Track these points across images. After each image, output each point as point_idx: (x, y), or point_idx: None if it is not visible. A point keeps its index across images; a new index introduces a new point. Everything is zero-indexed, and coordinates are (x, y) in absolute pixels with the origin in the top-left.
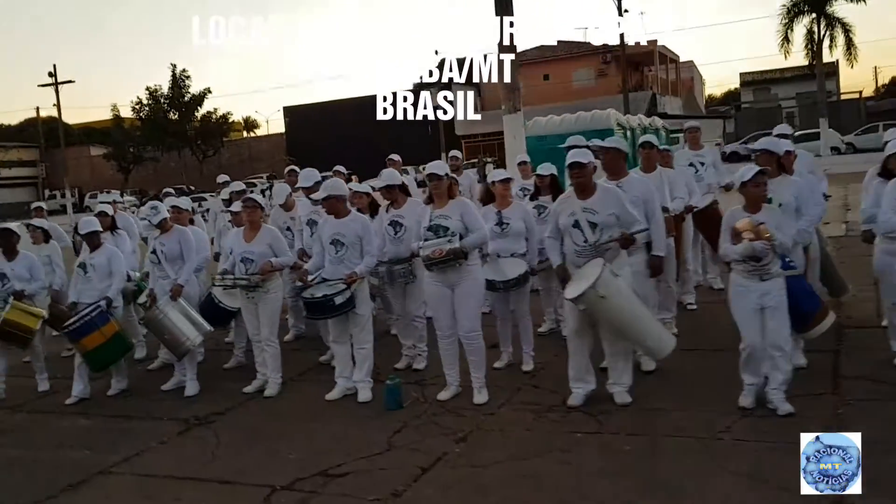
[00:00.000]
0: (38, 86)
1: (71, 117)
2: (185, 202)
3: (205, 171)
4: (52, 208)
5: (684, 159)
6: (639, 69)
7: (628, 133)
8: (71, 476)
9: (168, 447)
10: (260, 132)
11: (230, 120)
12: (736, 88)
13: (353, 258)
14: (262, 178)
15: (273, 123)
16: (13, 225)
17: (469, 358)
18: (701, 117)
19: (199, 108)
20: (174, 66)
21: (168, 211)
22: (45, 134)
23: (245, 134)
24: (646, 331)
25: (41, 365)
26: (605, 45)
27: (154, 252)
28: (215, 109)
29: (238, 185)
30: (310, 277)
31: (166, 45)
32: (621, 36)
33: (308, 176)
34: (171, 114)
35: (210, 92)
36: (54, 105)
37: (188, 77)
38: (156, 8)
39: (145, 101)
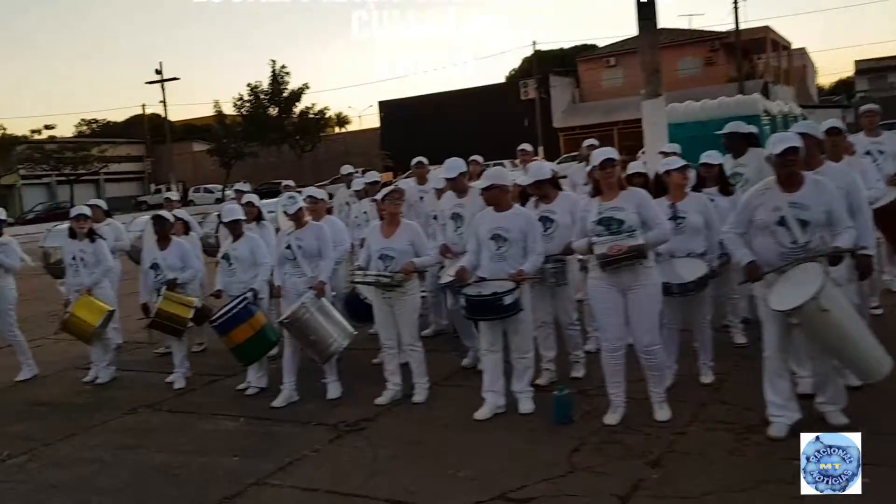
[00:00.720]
0: (146, 83)
1: (174, 114)
2: (320, 193)
3: (302, 166)
4: (156, 202)
5: (860, 147)
6: (748, 57)
7: (768, 120)
8: (224, 486)
9: (322, 457)
10: (352, 127)
11: (327, 115)
12: (849, 77)
13: (516, 256)
14: (357, 172)
15: (366, 119)
16: (167, 214)
17: (648, 374)
18: (816, 107)
19: (297, 103)
20: (274, 62)
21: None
22: (149, 130)
23: (337, 129)
24: (865, 350)
25: (182, 357)
26: (712, 33)
27: (289, 247)
28: (312, 105)
29: (373, 176)
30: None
31: (267, 41)
32: (736, 21)
33: (453, 166)
34: (271, 109)
35: (308, 87)
36: (160, 102)
37: (287, 73)
38: (255, 5)
39: (246, 98)
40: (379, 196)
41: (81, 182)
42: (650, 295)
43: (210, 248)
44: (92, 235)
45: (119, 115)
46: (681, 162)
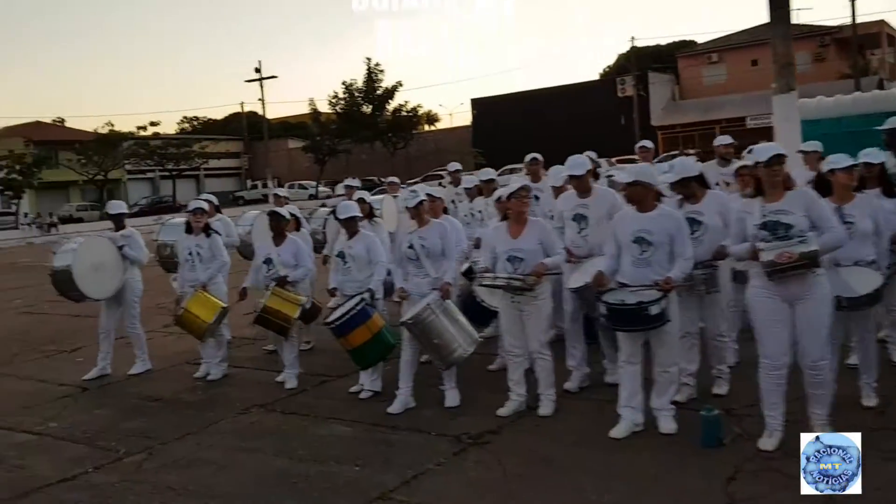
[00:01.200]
0: (245, 81)
1: (270, 111)
2: (439, 192)
3: (394, 164)
4: (253, 197)
5: None
6: (861, 52)
7: None
8: (347, 499)
9: (448, 471)
10: (441, 125)
11: (419, 112)
12: None
13: (661, 261)
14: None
15: (456, 117)
16: (283, 210)
17: (812, 393)
18: None
19: (390, 101)
20: (369, 59)
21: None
22: (247, 127)
23: (426, 127)
24: None
25: (294, 357)
26: (822, 28)
27: (411, 246)
28: (406, 102)
29: (489, 173)
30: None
31: (361, 39)
32: (853, 13)
33: (578, 163)
34: (365, 107)
35: (401, 85)
36: (259, 100)
37: (381, 70)
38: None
39: (341, 95)
40: (501, 194)
41: (183, 177)
42: (820, 306)
43: (317, 245)
44: (208, 230)
45: (218, 113)
46: (848, 160)
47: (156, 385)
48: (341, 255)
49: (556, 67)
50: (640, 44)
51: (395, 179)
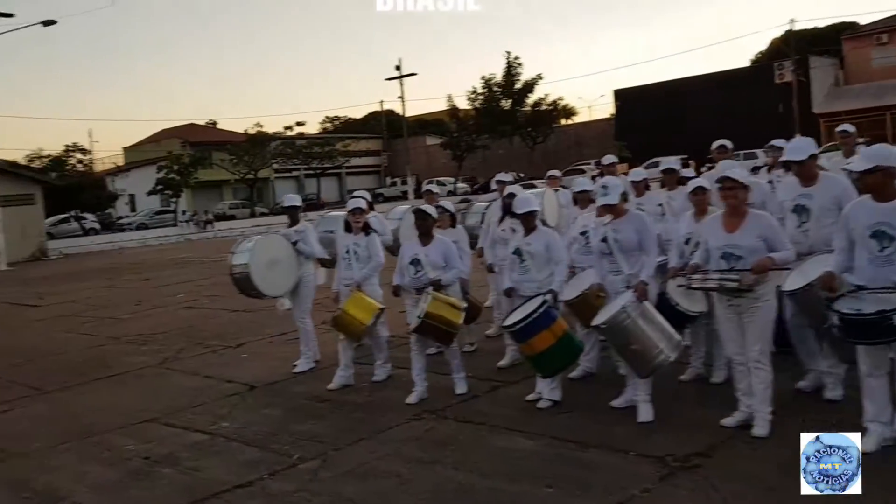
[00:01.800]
0: (385, 79)
1: (407, 109)
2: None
3: (533, 158)
4: (392, 195)
5: None
6: None
7: None
8: None
9: (657, 499)
10: (580, 118)
11: (559, 106)
12: None
13: None
14: (590, 164)
15: (595, 109)
16: (429, 208)
17: None
18: None
19: (529, 94)
20: (508, 53)
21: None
22: (386, 125)
23: (564, 121)
24: None
25: (459, 362)
26: None
27: (604, 240)
28: (545, 95)
29: (671, 163)
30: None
31: (501, 33)
32: None
33: (800, 147)
34: (504, 102)
35: (541, 78)
36: (399, 98)
37: (520, 64)
38: None
39: (480, 90)
40: (700, 184)
41: (326, 176)
42: None
43: (475, 241)
44: (367, 229)
45: (357, 112)
46: None
47: (322, 385)
48: (518, 252)
49: (699, 56)
50: (797, 27)
51: (556, 173)
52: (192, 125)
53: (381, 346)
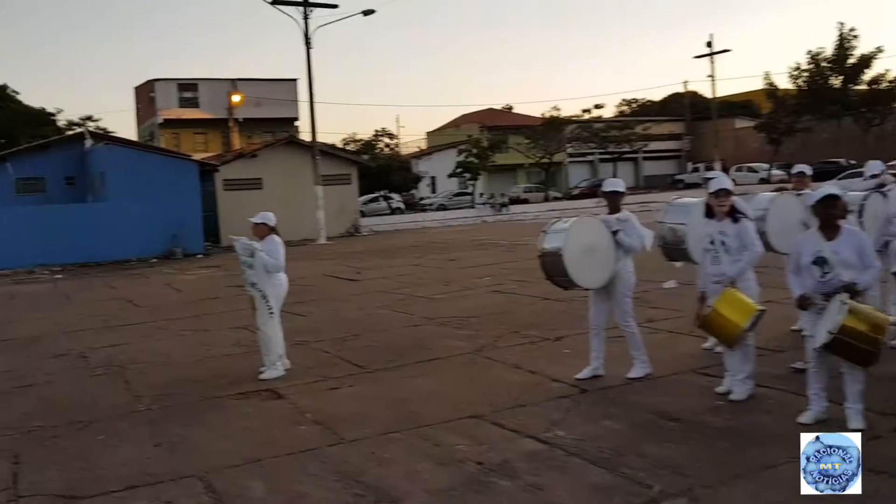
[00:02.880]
0: (694, 57)
1: (711, 89)
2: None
3: (865, 143)
4: (693, 181)
5: None
6: None
7: None
8: None
9: None
10: None
11: None
12: None
13: None
14: None
15: None
16: (837, 189)
17: None
18: None
19: (865, 70)
20: (841, 24)
21: None
22: (689, 107)
23: None
24: None
25: (860, 391)
26: None
27: None
28: (886, 71)
29: None
30: None
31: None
32: None
33: None
34: (833, 79)
35: (881, 51)
36: (708, 76)
37: (855, 37)
38: None
39: (804, 67)
40: None
41: (621, 160)
42: None
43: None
44: (734, 215)
45: (656, 94)
46: None
47: (664, 398)
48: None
49: None
50: None
51: (806, 169)
52: (490, 110)
53: (749, 356)
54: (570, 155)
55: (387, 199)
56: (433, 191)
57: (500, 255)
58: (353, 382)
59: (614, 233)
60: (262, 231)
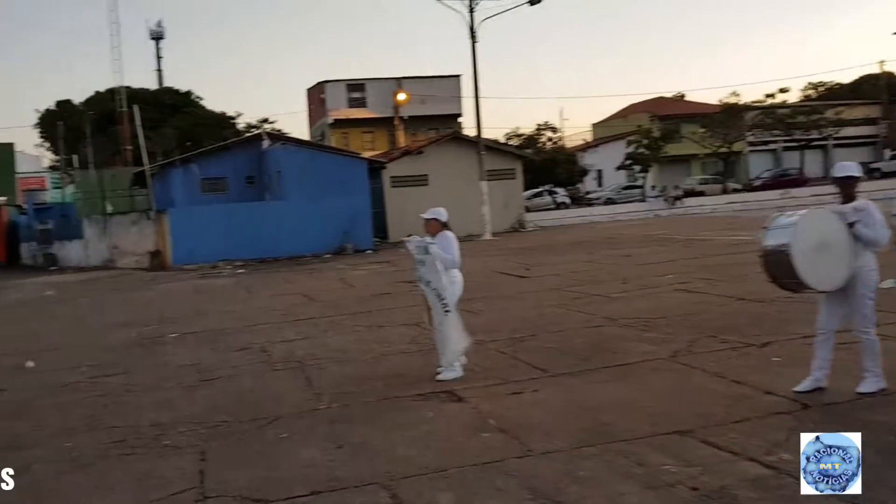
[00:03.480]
0: (893, 34)
1: None
2: None
3: None
4: (891, 169)
5: None
6: None
7: None
8: None
9: None
10: None
11: None
12: None
13: None
14: None
15: None
16: None
17: None
18: None
19: None
20: None
21: None
22: (886, 90)
23: None
24: None
25: None
26: None
27: None
28: None
29: None
30: None
31: None
32: None
33: None
34: None
35: None
36: None
37: None
38: None
39: None
40: None
41: (809, 148)
42: None
43: None
44: None
45: (846, 76)
46: None
47: None
48: None
49: None
50: None
51: None
52: (659, 98)
53: None
54: (751, 143)
55: (551, 193)
56: (599, 184)
57: (679, 251)
58: (536, 387)
59: (851, 224)
60: (434, 227)
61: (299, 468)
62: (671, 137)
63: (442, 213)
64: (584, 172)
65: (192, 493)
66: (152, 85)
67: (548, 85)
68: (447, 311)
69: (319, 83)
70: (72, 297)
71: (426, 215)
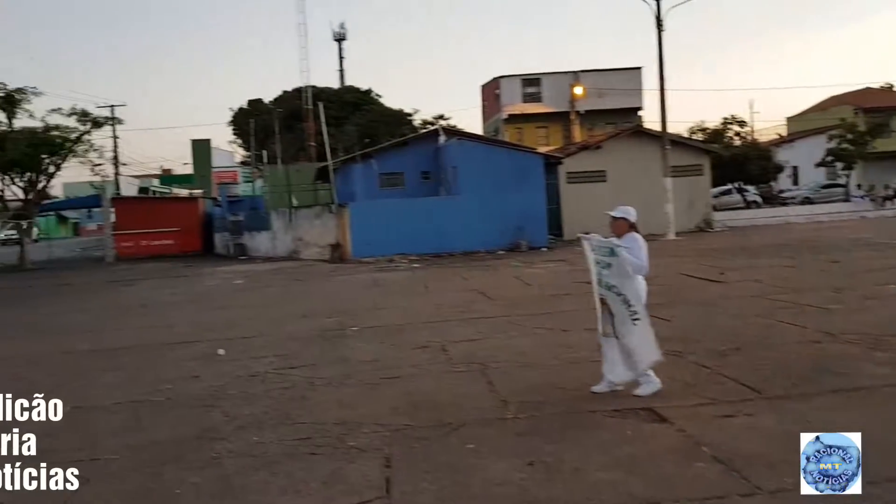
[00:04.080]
0: None
1: None
2: None
3: None
4: None
5: None
6: None
7: None
8: None
9: None
10: None
11: None
12: None
13: None
14: None
15: None
16: None
17: None
18: None
19: None
20: None
21: None
22: None
23: None
24: None
25: None
26: None
27: None
28: None
29: None
30: None
31: None
32: None
33: None
34: None
35: None
36: None
37: None
38: None
39: None
40: None
41: None
42: None
43: None
44: None
45: None
46: None
47: None
48: None
49: None
50: None
51: None
52: (866, 90)
53: None
54: None
55: (741, 191)
56: (794, 182)
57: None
58: (750, 410)
59: None
60: (622, 227)
61: (490, 485)
62: (880, 132)
63: (631, 213)
64: (780, 169)
65: (379, 502)
66: (335, 84)
67: (735, 76)
68: (636, 321)
69: (494, 79)
70: (260, 287)
71: (614, 213)
